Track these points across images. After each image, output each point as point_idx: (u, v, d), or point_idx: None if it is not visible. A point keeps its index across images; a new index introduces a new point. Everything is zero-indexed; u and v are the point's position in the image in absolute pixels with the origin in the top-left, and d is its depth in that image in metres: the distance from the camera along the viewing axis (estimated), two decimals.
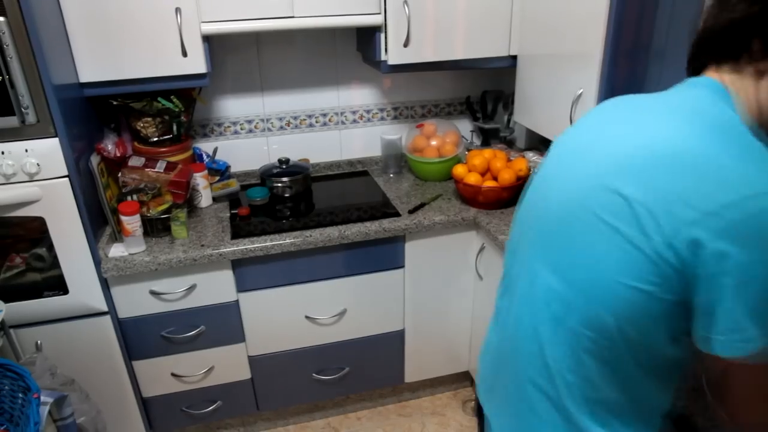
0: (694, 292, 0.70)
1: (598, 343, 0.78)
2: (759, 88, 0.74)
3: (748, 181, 0.65)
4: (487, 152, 2.10)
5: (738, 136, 0.70)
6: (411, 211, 1.98)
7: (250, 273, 1.86)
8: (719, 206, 0.65)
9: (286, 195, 2.13)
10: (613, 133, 0.80)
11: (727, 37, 0.75)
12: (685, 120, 0.73)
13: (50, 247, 1.63)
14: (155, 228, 1.84)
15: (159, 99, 1.93)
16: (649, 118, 0.77)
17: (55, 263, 1.65)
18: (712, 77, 0.77)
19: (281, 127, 2.30)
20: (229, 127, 2.25)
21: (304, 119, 2.32)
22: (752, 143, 0.69)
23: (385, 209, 2.01)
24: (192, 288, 1.82)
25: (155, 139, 1.99)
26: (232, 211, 2.03)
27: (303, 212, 2.03)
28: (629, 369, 0.79)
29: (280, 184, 2.11)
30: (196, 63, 1.77)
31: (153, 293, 1.79)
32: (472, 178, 2.00)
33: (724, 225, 0.64)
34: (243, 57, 2.15)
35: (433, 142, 2.25)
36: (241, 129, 2.26)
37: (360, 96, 2.34)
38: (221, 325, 1.91)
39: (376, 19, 1.88)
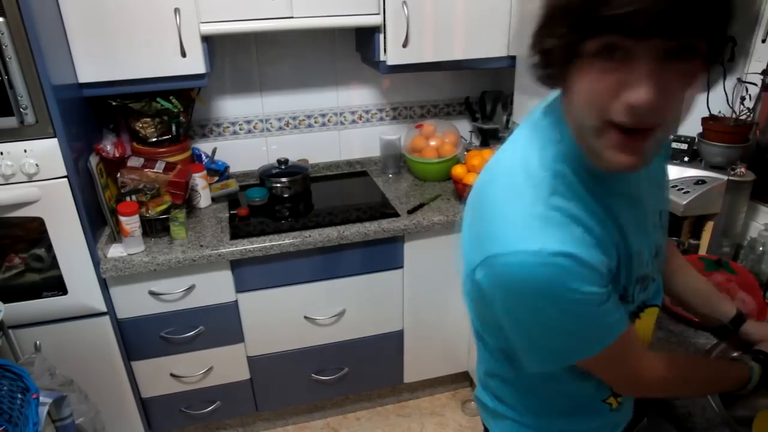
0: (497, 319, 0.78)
1: (476, 326, 0.90)
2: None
3: (509, 240, 0.68)
4: (486, 152, 2.10)
5: (524, 185, 0.70)
6: (410, 212, 1.98)
7: (249, 273, 1.86)
8: (487, 257, 0.70)
9: (285, 195, 2.13)
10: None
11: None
12: (509, 150, 0.77)
13: (49, 248, 1.62)
14: (154, 228, 1.83)
15: (158, 99, 1.93)
16: (514, 137, 0.80)
17: (54, 264, 1.65)
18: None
19: (280, 128, 2.30)
20: (228, 127, 2.25)
21: (303, 119, 2.32)
22: (533, 195, 0.69)
23: (384, 209, 2.01)
24: (191, 288, 1.82)
25: (154, 139, 1.99)
26: (231, 212, 2.03)
27: (302, 213, 2.03)
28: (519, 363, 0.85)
29: (279, 185, 2.11)
30: (195, 63, 1.77)
31: (152, 294, 1.79)
32: (471, 179, 2.00)
33: (491, 273, 0.71)
34: (242, 57, 2.15)
35: (432, 143, 2.26)
36: (240, 129, 2.26)
37: (359, 96, 2.34)
38: (220, 325, 1.91)
39: (375, 20, 1.88)
